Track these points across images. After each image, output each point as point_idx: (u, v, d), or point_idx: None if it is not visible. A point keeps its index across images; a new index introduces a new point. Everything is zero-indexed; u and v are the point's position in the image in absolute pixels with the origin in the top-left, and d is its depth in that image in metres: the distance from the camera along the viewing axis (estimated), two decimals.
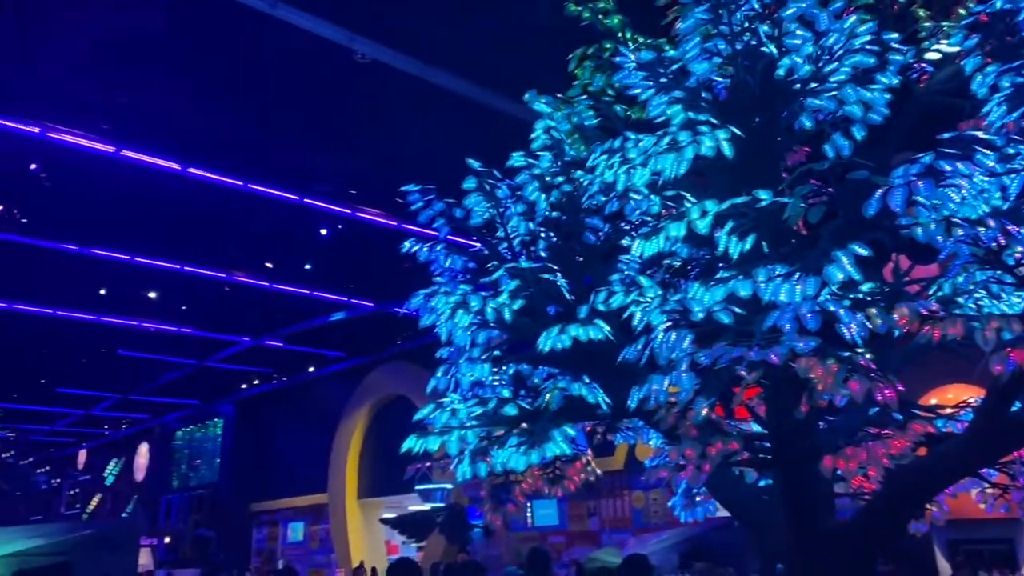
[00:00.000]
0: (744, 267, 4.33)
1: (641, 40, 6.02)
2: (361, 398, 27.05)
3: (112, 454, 41.66)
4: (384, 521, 22.88)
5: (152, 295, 21.44)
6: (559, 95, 6.26)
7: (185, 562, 28.98)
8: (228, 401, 33.63)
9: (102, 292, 21.17)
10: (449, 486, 19.40)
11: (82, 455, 45.37)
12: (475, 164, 6.38)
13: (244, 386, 32.63)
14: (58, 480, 46.18)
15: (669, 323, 4.38)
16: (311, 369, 29.89)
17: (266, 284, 20.53)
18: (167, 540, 32.23)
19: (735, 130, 4.58)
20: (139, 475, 39.03)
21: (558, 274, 5.85)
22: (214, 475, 33.89)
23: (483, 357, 5.97)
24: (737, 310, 4.27)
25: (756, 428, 5.83)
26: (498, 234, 6.53)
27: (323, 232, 17.83)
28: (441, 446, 5.70)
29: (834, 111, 4.84)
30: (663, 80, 4.86)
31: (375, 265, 19.31)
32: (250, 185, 14.72)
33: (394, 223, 16.59)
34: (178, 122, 12.86)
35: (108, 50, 11.11)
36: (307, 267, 20.23)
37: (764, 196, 4.31)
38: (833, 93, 4.74)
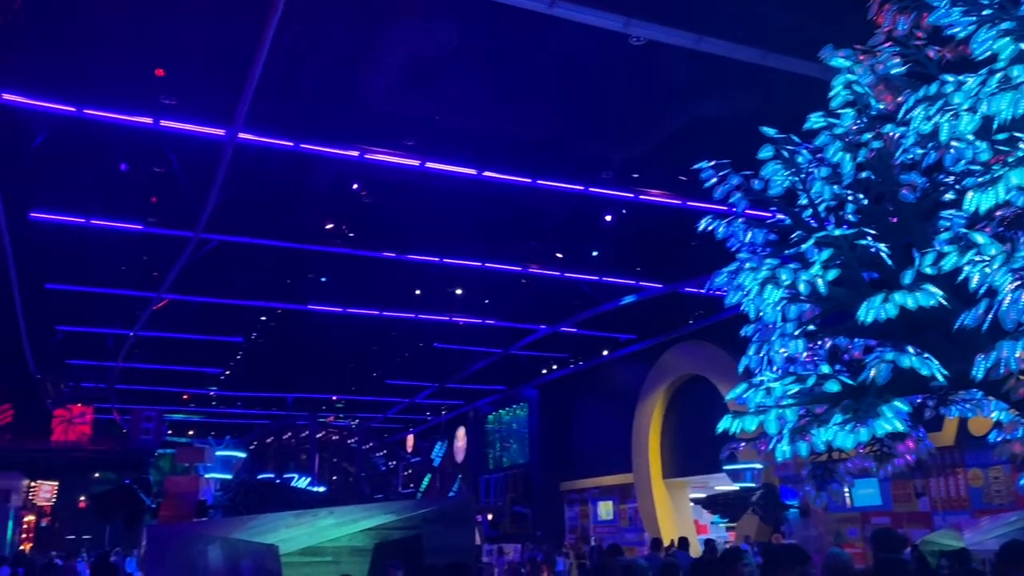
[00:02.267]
0: None
1: None
2: (656, 379, 27.15)
3: (436, 438, 45.80)
4: (695, 501, 22.82)
5: (459, 292, 23.36)
6: (857, 46, 5.82)
7: (508, 537, 30.98)
8: (531, 386, 35.49)
9: (418, 292, 23.47)
10: (759, 466, 18.86)
11: (410, 439, 50.48)
12: (770, 131, 6.14)
13: (544, 371, 34.25)
14: (393, 462, 51.53)
15: (1018, 282, 3.92)
16: (605, 352, 30.57)
17: (558, 274, 21.37)
18: (489, 517, 34.68)
19: None
20: (459, 456, 42.56)
21: (871, 238, 5.46)
22: (524, 455, 35.94)
23: (797, 332, 5.74)
24: None
25: None
26: (800, 202, 6.24)
27: (608, 218, 18.11)
28: (758, 426, 5.59)
29: None
30: (987, 12, 4.34)
31: (661, 246, 19.32)
32: (538, 181, 15.42)
33: (678, 202, 16.41)
34: (471, 130, 13.86)
35: (408, 73, 12.26)
36: (595, 254, 20.71)
37: None
38: None
